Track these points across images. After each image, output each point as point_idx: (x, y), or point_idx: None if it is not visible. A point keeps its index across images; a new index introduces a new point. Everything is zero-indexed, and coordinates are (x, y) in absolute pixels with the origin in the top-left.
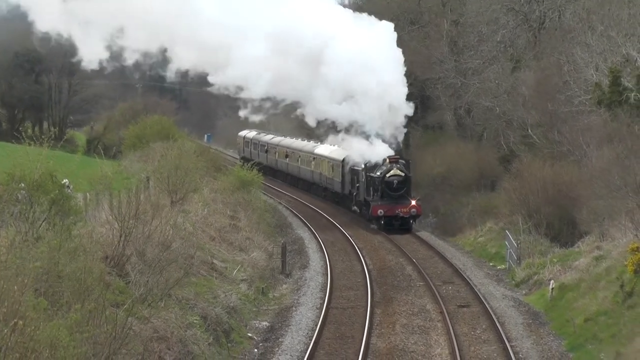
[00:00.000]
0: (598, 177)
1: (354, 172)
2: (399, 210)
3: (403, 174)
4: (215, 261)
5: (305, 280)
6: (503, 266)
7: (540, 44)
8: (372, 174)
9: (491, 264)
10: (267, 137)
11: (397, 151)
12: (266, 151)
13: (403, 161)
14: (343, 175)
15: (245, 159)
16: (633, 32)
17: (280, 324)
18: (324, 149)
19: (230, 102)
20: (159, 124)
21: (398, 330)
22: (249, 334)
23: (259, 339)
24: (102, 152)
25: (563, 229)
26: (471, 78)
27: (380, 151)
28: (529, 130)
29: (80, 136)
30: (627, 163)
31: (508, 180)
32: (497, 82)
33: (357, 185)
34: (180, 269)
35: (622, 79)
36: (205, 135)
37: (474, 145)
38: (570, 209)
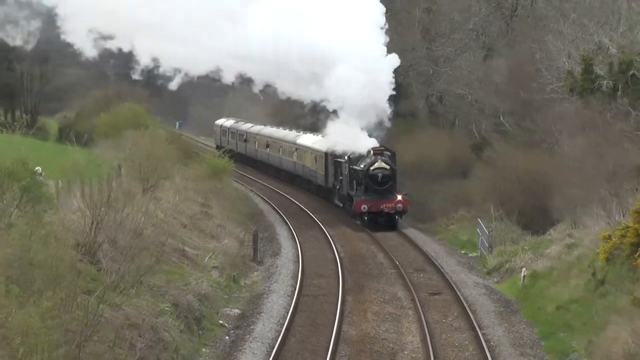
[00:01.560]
0: (570, 165)
1: (337, 164)
2: (384, 205)
3: (388, 167)
4: (186, 248)
5: (277, 267)
6: (475, 254)
7: (512, 31)
8: (355, 167)
9: (463, 251)
10: (246, 126)
11: (382, 142)
12: (245, 141)
13: (389, 153)
14: (326, 168)
15: (222, 149)
16: (605, 20)
17: (251, 312)
18: (307, 139)
19: (203, 89)
20: (131, 112)
21: (369, 318)
22: (220, 321)
23: (230, 326)
24: (74, 140)
25: (535, 217)
26: (443, 66)
27: (364, 142)
28: (502, 118)
29: (52, 124)
30: (600, 151)
31: (480, 168)
32: (469, 70)
33: (340, 178)
34: (151, 256)
35: (594, 67)
36: (177, 123)
37: (447, 133)
38: (543, 197)
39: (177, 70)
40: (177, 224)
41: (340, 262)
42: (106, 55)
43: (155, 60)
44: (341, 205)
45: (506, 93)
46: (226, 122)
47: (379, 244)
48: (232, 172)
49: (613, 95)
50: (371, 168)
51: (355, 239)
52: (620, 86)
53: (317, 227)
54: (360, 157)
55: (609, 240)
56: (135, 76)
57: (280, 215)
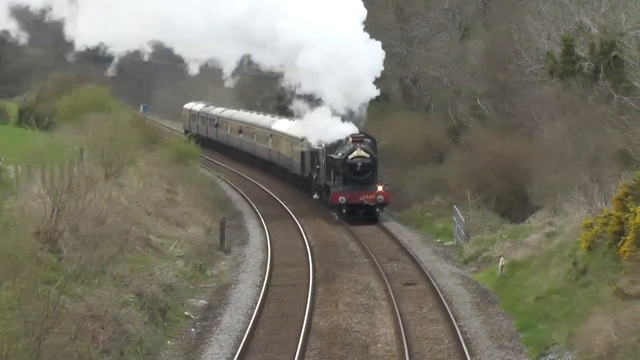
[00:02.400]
0: (550, 150)
1: (314, 152)
2: (364, 197)
3: (368, 156)
4: (151, 237)
5: (245, 256)
6: (451, 242)
7: (490, 11)
8: (332, 155)
9: (438, 240)
10: (217, 110)
11: (362, 129)
12: (216, 126)
13: (369, 140)
14: (303, 156)
15: (191, 135)
16: None
17: (218, 303)
18: (282, 125)
19: (168, 71)
20: (94, 95)
21: (341, 309)
22: (186, 313)
23: (197, 317)
24: (34, 123)
25: (514, 204)
26: (418, 47)
27: (342, 128)
28: (479, 101)
29: (12, 107)
30: (581, 135)
31: (457, 153)
32: (445, 51)
33: (317, 167)
34: (114, 244)
35: (575, 48)
36: (141, 106)
37: (421, 117)
38: (522, 183)
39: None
40: (142, 211)
41: (310, 251)
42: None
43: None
44: (318, 197)
45: (483, 75)
46: (195, 106)
47: (351, 232)
48: (198, 156)
49: (594, 77)
50: (350, 156)
51: (327, 227)
52: (602, 68)
53: (287, 215)
54: (338, 145)
55: (590, 229)
56: (71, 58)
57: (249, 203)
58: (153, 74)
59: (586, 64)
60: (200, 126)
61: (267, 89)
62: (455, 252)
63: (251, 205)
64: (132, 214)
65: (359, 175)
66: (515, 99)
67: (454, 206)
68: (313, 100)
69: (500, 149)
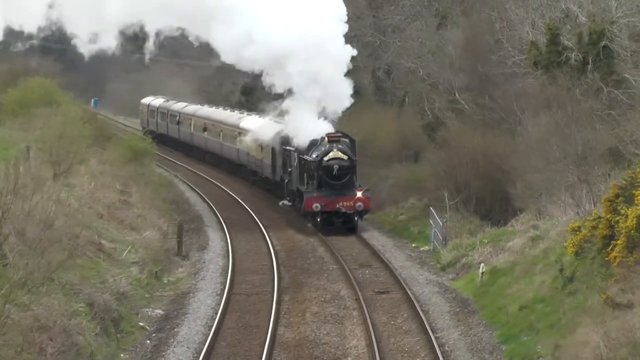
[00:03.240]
0: (534, 148)
1: (286, 153)
2: (341, 204)
3: (346, 158)
4: (103, 241)
5: (204, 262)
6: (427, 247)
7: None
8: (306, 157)
9: (414, 245)
10: (179, 106)
11: (339, 127)
12: (178, 123)
13: (347, 140)
14: (274, 157)
15: (150, 132)
16: None
17: (175, 312)
18: (252, 122)
19: (122, 63)
20: (42, 88)
21: (309, 320)
22: (141, 323)
23: (152, 328)
24: None
25: (495, 206)
26: (391, 36)
27: (317, 127)
28: (457, 95)
29: None
30: (567, 132)
31: (433, 151)
32: (420, 40)
33: (290, 170)
34: (64, 250)
35: (561, 37)
36: (92, 100)
37: (395, 112)
38: (504, 184)
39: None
40: (93, 213)
41: (275, 256)
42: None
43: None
44: (290, 203)
45: (462, 67)
46: (154, 100)
47: (320, 236)
48: (154, 155)
49: (582, 69)
50: (325, 158)
51: (293, 230)
52: (590, 59)
53: (250, 218)
54: (312, 145)
55: (578, 232)
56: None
57: (209, 205)
58: (105, 65)
59: (573, 54)
60: (160, 123)
61: (229, 82)
62: (432, 258)
63: (211, 208)
64: (82, 216)
65: (336, 179)
66: (497, 92)
67: (431, 208)
68: (283, 94)
69: (481, 146)
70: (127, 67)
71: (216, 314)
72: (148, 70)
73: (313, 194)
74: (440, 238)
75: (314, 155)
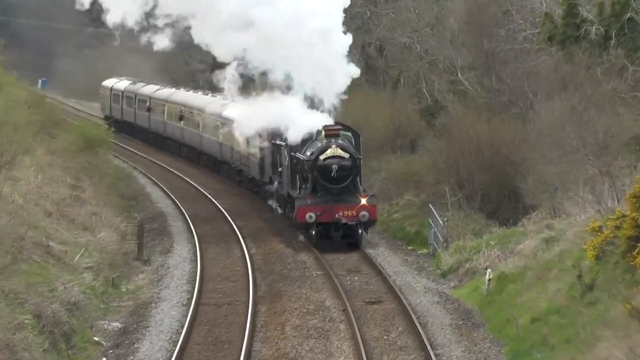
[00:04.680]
0: (548, 136)
1: (275, 149)
2: (341, 213)
3: (348, 156)
4: (52, 243)
5: (169, 268)
6: (425, 250)
7: None
8: (299, 154)
9: (410, 247)
10: (149, 89)
11: (339, 119)
12: (149, 109)
13: (349, 134)
14: (262, 153)
15: (113, 120)
16: None
17: (135, 325)
18: (237, 110)
19: (75, 38)
20: None
21: (289, 334)
22: (96, 338)
23: (109, 344)
24: None
25: (503, 203)
26: (384, 6)
27: (312, 118)
28: (459, 75)
29: None
30: (586, 117)
31: (432, 140)
32: (417, 12)
33: (280, 170)
34: (6, 253)
35: (579, 8)
36: (40, 81)
37: (388, 94)
38: (513, 177)
39: None
40: (40, 211)
41: (250, 260)
42: None
43: None
44: (280, 210)
45: (465, 42)
46: (119, 83)
47: (302, 238)
48: (110, 143)
49: (604, 45)
50: (321, 157)
51: (271, 230)
52: (613, 33)
53: (221, 216)
54: (307, 140)
55: (598, 233)
56: None
57: (174, 201)
58: (54, 40)
59: (593, 27)
60: (125, 110)
61: (196, 59)
62: (431, 263)
63: (176, 205)
64: (28, 215)
65: (335, 182)
66: (505, 71)
67: (430, 205)
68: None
69: (487, 134)
70: (79, 43)
71: (182, 327)
72: (103, 46)
73: (306, 201)
74: (441, 239)
75: (308, 153)
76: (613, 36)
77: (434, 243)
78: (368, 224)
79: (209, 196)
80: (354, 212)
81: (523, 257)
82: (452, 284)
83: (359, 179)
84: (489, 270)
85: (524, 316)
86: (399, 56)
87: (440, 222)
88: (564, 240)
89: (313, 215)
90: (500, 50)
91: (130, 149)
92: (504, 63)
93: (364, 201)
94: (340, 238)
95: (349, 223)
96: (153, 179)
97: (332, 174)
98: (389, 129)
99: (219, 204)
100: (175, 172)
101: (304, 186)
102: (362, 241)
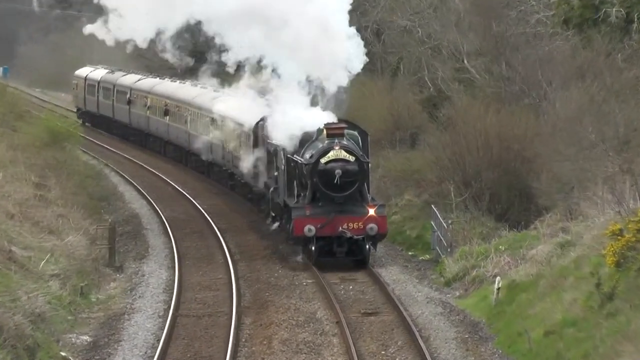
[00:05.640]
0: (564, 129)
1: (271, 149)
2: (345, 225)
3: (353, 159)
4: (14, 248)
5: (144, 275)
6: (427, 256)
7: None
8: (296, 157)
9: (410, 253)
10: (130, 79)
11: (343, 115)
12: (129, 102)
13: (354, 133)
14: (256, 155)
15: (87, 114)
16: None
17: (106, 339)
18: (230, 104)
19: (39, 21)
20: None
21: (276, 349)
22: (63, 353)
23: (77, 359)
24: None
25: (513, 204)
26: None
27: (312, 115)
28: (465, 62)
29: None
30: (606, 109)
31: (435, 133)
32: None
33: (276, 174)
34: None
35: None
36: (1, 69)
37: (387, 83)
38: (524, 175)
39: None
40: (1, 213)
41: (234, 267)
42: None
43: None
44: (276, 222)
45: (472, 26)
46: (94, 72)
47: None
48: (79, 138)
49: (625, 28)
50: (323, 160)
51: (255, 233)
52: (635, 16)
53: (201, 219)
54: (306, 141)
55: (619, 237)
56: None
57: (149, 202)
58: (16, 23)
59: (614, 10)
60: (102, 103)
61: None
62: (434, 270)
63: (152, 205)
64: None
65: (338, 190)
66: (516, 58)
67: (432, 207)
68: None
69: (495, 127)
70: (44, 27)
71: (158, 341)
72: (71, 30)
73: (305, 211)
74: (444, 244)
75: (307, 156)
76: (635, 19)
77: (437, 248)
78: (377, 239)
79: (188, 195)
80: (360, 224)
81: (536, 263)
82: (457, 293)
83: (367, 186)
84: (498, 278)
85: (536, 329)
86: (399, 41)
87: (444, 225)
88: (581, 245)
89: (313, 228)
90: (510, 34)
91: (101, 144)
92: (515, 49)
93: (372, 212)
94: (345, 255)
95: (355, 237)
96: (126, 176)
97: (335, 180)
98: (387, 121)
99: (199, 205)
100: (149, 168)
101: (302, 194)
102: (369, 258)
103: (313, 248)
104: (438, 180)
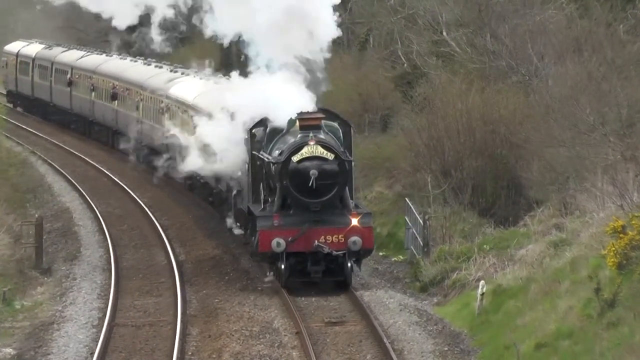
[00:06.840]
0: (558, 111)
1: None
2: (322, 238)
3: (332, 157)
4: None
5: (75, 279)
6: (401, 257)
7: None
8: (263, 154)
9: (381, 253)
10: (72, 56)
11: (321, 102)
12: (70, 84)
13: (334, 124)
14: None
15: (19, 97)
16: None
17: (33, 352)
18: (188, 87)
19: None
20: None
21: None
22: None
23: None
24: None
25: (500, 197)
26: None
27: (285, 101)
28: (444, 34)
29: None
30: (606, 87)
31: (410, 115)
32: None
33: (239, 174)
34: None
35: None
36: None
37: (353, 58)
38: (513, 163)
39: None
40: None
41: (179, 270)
42: None
43: None
44: (241, 231)
45: None
46: (28, 47)
47: (241, 240)
48: (2, 122)
49: None
50: (294, 158)
51: (204, 230)
52: None
53: (142, 214)
54: (275, 134)
55: (621, 235)
56: None
57: (81, 194)
58: None
59: None
60: (38, 84)
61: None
62: (408, 273)
63: (85, 199)
64: None
65: (314, 195)
66: (503, 29)
67: (406, 200)
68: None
69: (480, 108)
70: None
71: (92, 354)
72: None
73: (273, 222)
74: (420, 243)
75: (276, 152)
76: None
77: (412, 248)
78: (361, 255)
79: (125, 187)
80: (340, 237)
81: (526, 265)
82: (435, 299)
83: (349, 190)
84: (482, 283)
85: (527, 341)
86: (368, 10)
87: (420, 220)
88: (578, 244)
89: (282, 242)
90: (496, 1)
91: (28, 128)
92: (502, 19)
93: (355, 222)
94: (322, 275)
95: (334, 253)
96: (55, 165)
97: (310, 183)
98: (353, 101)
99: (138, 197)
100: (81, 155)
101: (270, 199)
102: (352, 279)
103: (283, 267)
104: (413, 169)
